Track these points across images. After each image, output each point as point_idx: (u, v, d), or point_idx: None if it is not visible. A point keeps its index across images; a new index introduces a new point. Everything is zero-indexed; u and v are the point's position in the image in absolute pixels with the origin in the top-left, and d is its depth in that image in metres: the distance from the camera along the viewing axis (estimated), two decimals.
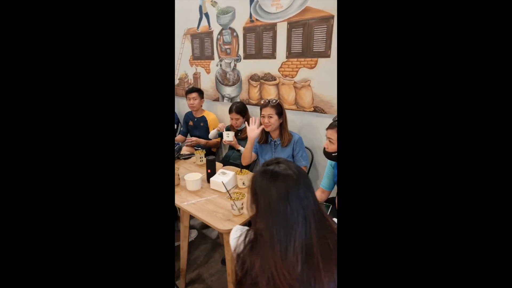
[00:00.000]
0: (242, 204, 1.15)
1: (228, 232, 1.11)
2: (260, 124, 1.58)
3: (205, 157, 1.78)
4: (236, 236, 0.79)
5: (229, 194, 1.15)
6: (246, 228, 0.77)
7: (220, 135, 2.09)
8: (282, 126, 1.60)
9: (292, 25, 1.71)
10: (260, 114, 1.60)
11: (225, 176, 1.40)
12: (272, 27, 1.81)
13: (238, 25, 2.01)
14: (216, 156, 2.28)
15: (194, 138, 2.13)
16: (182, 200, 1.30)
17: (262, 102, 1.64)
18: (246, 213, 1.16)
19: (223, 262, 1.72)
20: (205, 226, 2.10)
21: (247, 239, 0.70)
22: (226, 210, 1.21)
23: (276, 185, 0.63)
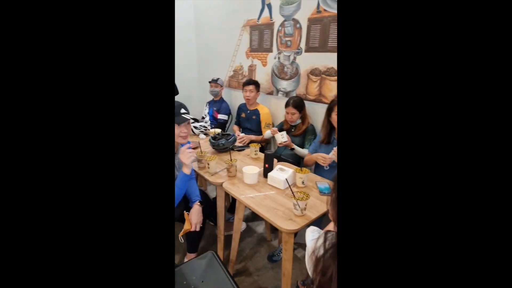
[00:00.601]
0: (305, 205, 1.09)
1: (292, 232, 1.07)
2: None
3: (260, 151, 1.76)
4: (313, 238, 0.74)
5: (293, 193, 1.10)
6: (324, 230, 0.72)
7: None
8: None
9: None
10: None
11: (284, 173, 1.35)
12: None
13: (303, 16, 1.92)
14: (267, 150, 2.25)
15: (245, 138, 2.09)
16: (240, 193, 1.29)
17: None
18: (309, 214, 1.11)
19: (270, 259, 1.70)
20: (250, 219, 2.11)
21: (327, 242, 0.65)
22: (286, 208, 1.16)
23: None
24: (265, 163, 1.44)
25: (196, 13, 3.09)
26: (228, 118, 2.60)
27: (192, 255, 1.52)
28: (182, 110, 1.27)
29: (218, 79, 2.56)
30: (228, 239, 1.59)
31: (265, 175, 1.43)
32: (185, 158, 1.24)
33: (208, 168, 1.51)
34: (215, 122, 2.55)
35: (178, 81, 3.15)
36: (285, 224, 1.06)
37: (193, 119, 1.32)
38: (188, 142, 1.50)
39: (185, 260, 1.55)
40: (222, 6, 2.69)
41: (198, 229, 1.31)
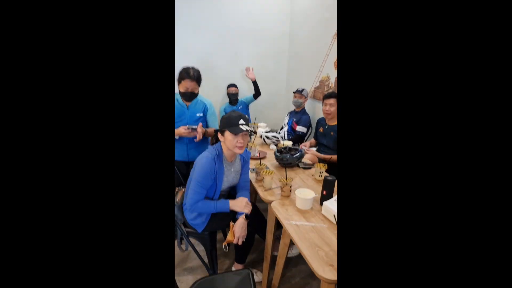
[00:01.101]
0: None
1: (331, 283, 0.88)
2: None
3: (326, 172, 1.57)
4: None
5: None
6: None
7: None
8: None
9: None
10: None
11: None
12: None
13: None
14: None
15: (311, 154, 1.90)
16: (286, 217, 1.18)
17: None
18: None
19: None
20: None
21: None
22: (331, 249, 0.97)
23: None
24: (323, 188, 1.27)
25: (291, 24, 3.11)
26: (308, 131, 2.47)
27: (239, 266, 1.51)
28: (241, 121, 1.28)
29: (303, 90, 2.47)
30: (275, 259, 1.49)
31: (321, 203, 1.25)
32: (241, 208, 1.31)
33: (263, 182, 1.46)
34: (293, 134, 2.48)
35: (267, 90, 3.26)
36: (324, 270, 0.89)
37: (251, 131, 1.31)
38: (247, 152, 1.50)
39: (233, 268, 1.55)
40: (314, 15, 2.59)
41: (240, 243, 1.30)
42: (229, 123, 1.27)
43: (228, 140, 1.29)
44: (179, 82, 1.71)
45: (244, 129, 1.26)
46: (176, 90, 1.79)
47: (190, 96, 1.74)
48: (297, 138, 2.38)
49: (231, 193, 1.53)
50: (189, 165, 1.88)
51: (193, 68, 1.72)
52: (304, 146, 2.05)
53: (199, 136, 1.68)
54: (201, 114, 1.83)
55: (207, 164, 1.28)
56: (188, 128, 1.69)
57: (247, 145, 1.98)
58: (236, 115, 1.29)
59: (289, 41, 3.22)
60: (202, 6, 2.84)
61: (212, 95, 3.14)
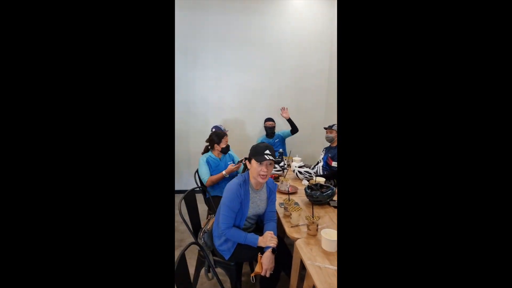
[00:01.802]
0: None
1: None
2: None
3: None
4: None
5: None
6: None
7: None
8: None
9: None
10: None
11: None
12: None
13: None
14: None
15: None
16: (310, 257, 1.16)
17: None
18: None
19: None
20: None
21: None
22: None
23: None
24: None
25: (330, 61, 3.22)
26: None
27: None
28: (267, 151, 1.36)
29: (333, 125, 2.49)
30: None
31: None
32: (266, 243, 1.35)
33: (291, 218, 1.47)
34: (328, 169, 2.44)
35: (304, 123, 3.33)
36: None
37: (275, 161, 1.38)
38: (272, 182, 1.55)
39: None
40: None
41: (268, 275, 1.30)
42: (255, 152, 1.37)
43: (253, 168, 1.38)
44: (220, 141, 2.21)
45: (267, 158, 1.33)
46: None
47: (228, 147, 2.27)
48: (332, 174, 2.34)
49: (259, 224, 1.57)
50: None
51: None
52: None
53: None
54: (231, 162, 2.30)
55: (234, 189, 1.39)
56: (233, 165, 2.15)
57: (279, 179, 2.03)
58: (263, 145, 1.39)
59: (328, 77, 3.31)
60: (251, 50, 3.17)
61: (251, 129, 3.34)
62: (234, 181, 1.44)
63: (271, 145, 3.29)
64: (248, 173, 1.46)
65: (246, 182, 1.44)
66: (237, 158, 2.35)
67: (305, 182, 2.14)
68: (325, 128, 2.54)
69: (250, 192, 1.44)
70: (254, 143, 3.38)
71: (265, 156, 1.35)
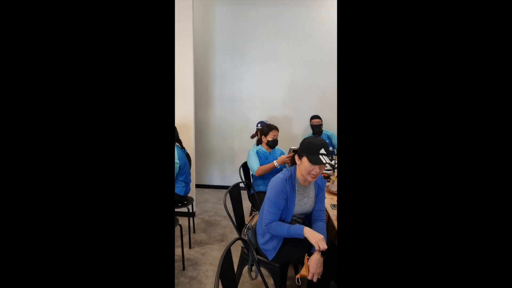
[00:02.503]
0: None
1: None
2: None
3: None
4: None
5: None
6: None
7: None
8: None
9: None
10: None
11: None
12: None
13: None
14: None
15: None
16: None
17: None
18: None
19: None
20: None
21: None
22: None
23: None
24: None
25: None
26: None
27: None
28: (322, 151, 1.23)
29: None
30: None
31: None
32: (314, 241, 1.19)
33: None
34: None
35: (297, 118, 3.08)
36: None
37: (329, 164, 1.23)
38: (322, 179, 1.41)
39: None
40: None
41: (315, 280, 1.17)
42: (309, 149, 1.24)
43: (303, 166, 1.25)
44: (267, 133, 2.13)
45: (324, 162, 1.20)
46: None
47: (275, 142, 2.16)
48: None
49: (306, 224, 1.45)
50: None
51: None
52: None
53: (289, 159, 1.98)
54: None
55: (279, 184, 1.28)
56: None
57: (330, 178, 1.87)
58: (318, 142, 1.25)
59: None
60: (301, 43, 3.05)
61: (297, 127, 3.20)
62: (279, 175, 1.33)
63: None
64: (295, 168, 1.34)
65: (292, 177, 1.32)
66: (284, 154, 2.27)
67: None
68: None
69: (297, 188, 1.33)
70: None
71: (321, 157, 1.21)
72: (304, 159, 1.25)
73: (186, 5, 2.34)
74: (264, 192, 2.04)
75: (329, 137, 2.98)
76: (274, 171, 2.03)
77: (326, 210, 1.45)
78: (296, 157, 1.32)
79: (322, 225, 1.36)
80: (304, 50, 3.10)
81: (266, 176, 2.10)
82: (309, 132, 3.09)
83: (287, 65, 3.14)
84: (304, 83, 3.17)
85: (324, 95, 3.16)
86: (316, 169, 1.23)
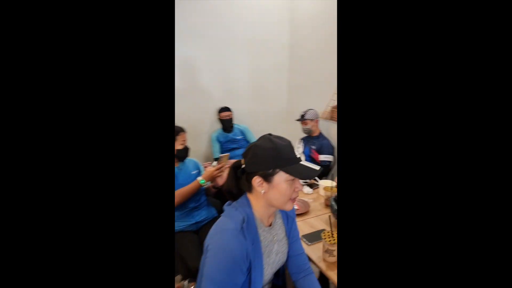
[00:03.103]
0: None
1: None
2: None
3: None
4: None
5: None
6: None
7: None
8: None
9: None
10: None
11: None
12: None
13: None
14: None
15: None
16: None
17: None
18: None
19: None
20: None
21: None
22: None
23: None
24: None
25: (292, 36, 2.71)
26: (333, 159, 1.98)
27: None
28: (297, 154, 0.80)
29: (305, 113, 2.00)
30: None
31: None
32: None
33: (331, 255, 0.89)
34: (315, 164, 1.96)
35: (264, 112, 2.77)
36: None
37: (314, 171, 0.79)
38: None
39: None
40: (321, 27, 2.24)
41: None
42: (281, 157, 0.71)
43: (279, 190, 0.72)
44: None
45: (316, 169, 0.75)
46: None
47: (186, 152, 1.39)
48: (324, 171, 1.87)
49: (281, 283, 0.93)
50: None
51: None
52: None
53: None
54: (196, 171, 1.47)
55: (234, 246, 0.68)
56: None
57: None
58: (286, 143, 0.75)
59: (290, 54, 2.79)
60: (188, 10, 2.31)
61: (197, 120, 2.53)
62: (227, 227, 0.72)
63: (233, 141, 2.63)
64: (249, 203, 0.78)
65: (250, 220, 0.75)
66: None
67: (308, 190, 1.58)
68: (297, 120, 2.05)
69: (261, 234, 0.78)
70: (208, 141, 2.65)
71: (306, 164, 0.75)
72: (280, 177, 0.72)
73: None
74: (188, 233, 1.34)
75: (242, 132, 2.53)
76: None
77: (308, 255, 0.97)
78: (256, 181, 0.74)
79: (313, 278, 0.88)
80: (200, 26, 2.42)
81: (190, 204, 1.37)
82: (216, 126, 2.53)
83: (180, 41, 2.38)
84: (205, 67, 2.51)
85: (229, 81, 2.64)
86: (299, 185, 0.75)
